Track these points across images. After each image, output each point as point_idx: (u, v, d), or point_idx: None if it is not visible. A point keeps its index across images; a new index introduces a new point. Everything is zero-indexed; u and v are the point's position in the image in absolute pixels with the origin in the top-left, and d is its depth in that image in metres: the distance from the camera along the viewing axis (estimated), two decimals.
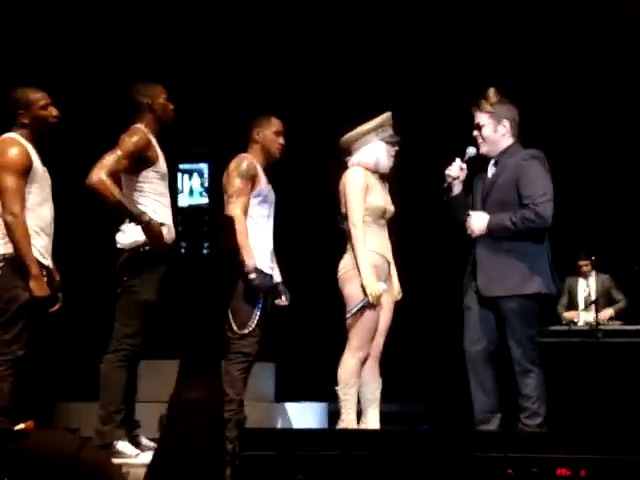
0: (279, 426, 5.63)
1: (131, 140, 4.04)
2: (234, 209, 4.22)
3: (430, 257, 6.67)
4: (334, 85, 6.69)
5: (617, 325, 6.41)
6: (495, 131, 3.97)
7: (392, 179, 4.32)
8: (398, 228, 4.35)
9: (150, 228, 4.00)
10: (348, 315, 4.03)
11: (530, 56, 6.58)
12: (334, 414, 4.20)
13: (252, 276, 4.17)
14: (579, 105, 6.87)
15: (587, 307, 6.70)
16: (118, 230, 4.19)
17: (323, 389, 4.42)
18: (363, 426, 4.07)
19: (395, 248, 4.32)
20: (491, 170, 4.00)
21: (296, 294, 4.48)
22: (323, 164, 4.50)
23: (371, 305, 4.01)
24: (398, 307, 4.29)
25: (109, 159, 3.98)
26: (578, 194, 7.11)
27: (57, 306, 4.07)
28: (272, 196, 4.44)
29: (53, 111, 4.02)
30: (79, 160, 5.89)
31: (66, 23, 6.10)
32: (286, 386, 6.21)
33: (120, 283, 4.23)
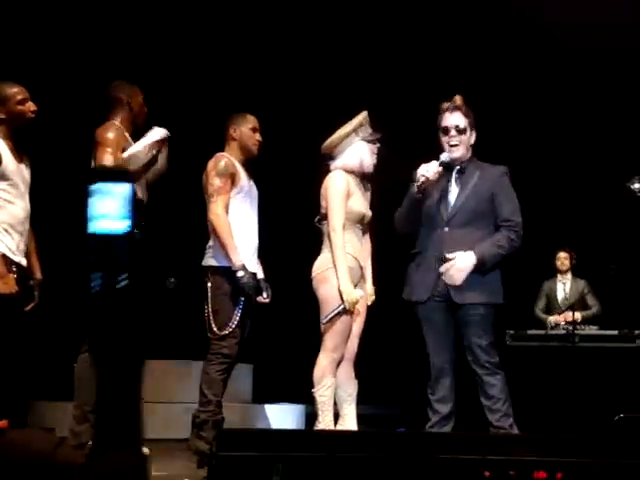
0: (256, 427, 5.62)
1: (113, 135, 3.98)
2: (215, 209, 4.21)
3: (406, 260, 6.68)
4: (314, 84, 6.69)
5: (594, 330, 6.45)
6: (470, 137, 3.99)
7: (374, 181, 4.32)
8: (376, 230, 4.35)
9: None
10: (324, 321, 4.03)
11: (505, 53, 6.64)
12: (311, 416, 4.20)
13: (240, 274, 4.15)
14: (558, 113, 6.93)
15: (565, 311, 6.73)
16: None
17: (301, 391, 4.42)
18: (340, 427, 4.07)
19: (373, 251, 4.32)
20: (457, 178, 3.96)
21: (274, 295, 4.47)
22: (303, 162, 4.49)
23: (346, 311, 4.01)
24: (374, 310, 4.29)
25: (110, 159, 3.91)
26: (556, 199, 7.17)
27: (32, 304, 4.01)
28: (254, 191, 4.43)
29: (31, 106, 3.96)
30: (62, 155, 5.90)
31: (46, 17, 6.06)
32: (264, 387, 6.19)
33: None
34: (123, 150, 3.96)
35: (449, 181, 3.96)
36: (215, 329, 4.20)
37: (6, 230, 3.85)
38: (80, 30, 6.18)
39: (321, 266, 4.10)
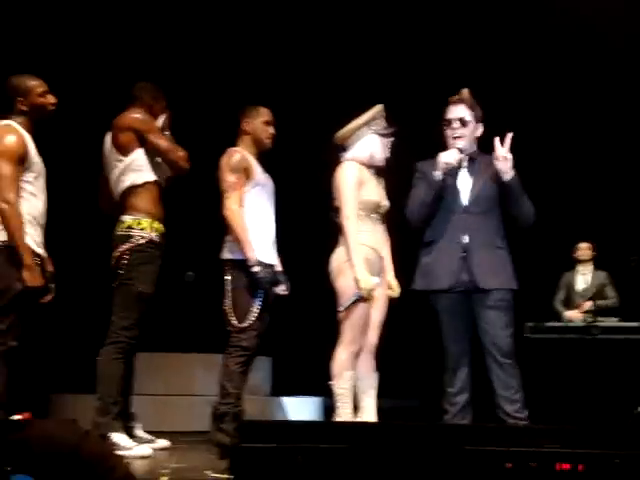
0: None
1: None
2: (229, 204, 4.21)
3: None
4: (327, 77, 6.67)
5: (614, 322, 6.41)
6: (475, 130, 4.01)
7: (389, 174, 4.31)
8: (396, 223, 4.33)
9: None
10: (340, 309, 4.02)
11: (521, 46, 6.59)
12: (330, 409, 4.19)
13: (255, 269, 4.15)
14: (579, 108, 6.88)
15: (583, 303, 6.69)
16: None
17: (319, 384, 4.41)
18: (360, 419, 4.06)
19: (394, 244, 4.30)
20: (468, 167, 3.98)
21: (293, 288, 4.46)
22: (319, 156, 4.47)
23: (363, 299, 3.99)
24: (394, 302, 4.28)
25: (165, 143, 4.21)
26: (578, 191, 7.13)
27: (49, 297, 4.02)
28: (270, 184, 4.42)
29: (51, 98, 4.00)
30: (73, 151, 5.92)
31: (64, 12, 6.08)
32: (283, 380, 6.20)
33: (116, 276, 4.23)
34: None
35: (459, 170, 3.97)
36: (234, 322, 4.21)
37: (30, 222, 3.87)
38: (90, 25, 6.18)
39: (338, 259, 4.08)
